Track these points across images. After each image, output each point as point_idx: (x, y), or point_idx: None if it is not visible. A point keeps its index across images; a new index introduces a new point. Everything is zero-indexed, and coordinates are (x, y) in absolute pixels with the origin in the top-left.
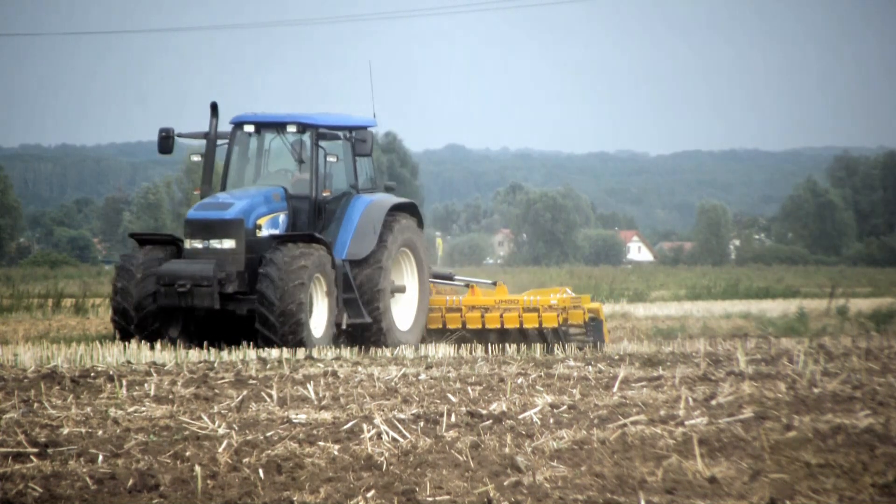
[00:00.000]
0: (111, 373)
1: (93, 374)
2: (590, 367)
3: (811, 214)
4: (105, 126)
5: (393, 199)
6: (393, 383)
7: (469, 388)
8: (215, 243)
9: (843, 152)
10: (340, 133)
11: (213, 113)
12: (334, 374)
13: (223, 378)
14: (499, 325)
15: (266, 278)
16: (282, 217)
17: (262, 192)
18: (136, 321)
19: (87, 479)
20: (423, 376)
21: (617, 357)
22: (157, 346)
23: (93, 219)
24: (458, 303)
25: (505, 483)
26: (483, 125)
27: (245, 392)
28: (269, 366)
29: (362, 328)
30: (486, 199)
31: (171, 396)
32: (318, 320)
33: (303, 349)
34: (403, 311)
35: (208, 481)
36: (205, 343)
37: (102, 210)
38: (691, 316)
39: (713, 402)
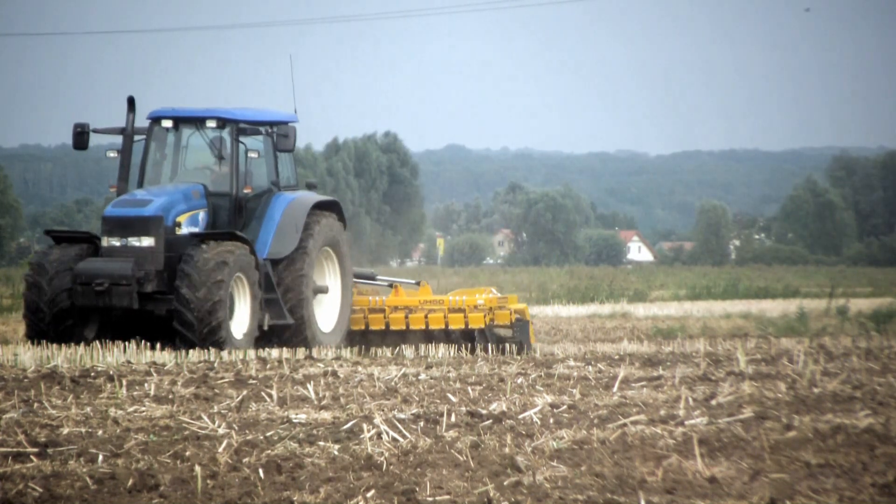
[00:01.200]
0: (111, 373)
1: (93, 373)
2: (590, 367)
3: (811, 214)
4: (105, 126)
5: (315, 197)
6: (393, 383)
7: (469, 388)
8: (134, 241)
9: (842, 152)
10: (262, 128)
11: (130, 108)
12: (334, 373)
13: (223, 378)
14: (423, 326)
15: (184, 277)
16: (201, 215)
17: (180, 189)
18: (49, 320)
19: (87, 479)
20: (422, 376)
21: (617, 357)
22: (158, 345)
23: (93, 219)
24: (381, 303)
25: (505, 483)
26: (483, 125)
27: (245, 392)
28: (269, 366)
29: (284, 329)
30: (486, 199)
31: (171, 396)
32: (241, 321)
33: (221, 350)
34: (326, 312)
35: (208, 481)
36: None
37: (102, 210)
38: (691, 316)
39: (713, 402)
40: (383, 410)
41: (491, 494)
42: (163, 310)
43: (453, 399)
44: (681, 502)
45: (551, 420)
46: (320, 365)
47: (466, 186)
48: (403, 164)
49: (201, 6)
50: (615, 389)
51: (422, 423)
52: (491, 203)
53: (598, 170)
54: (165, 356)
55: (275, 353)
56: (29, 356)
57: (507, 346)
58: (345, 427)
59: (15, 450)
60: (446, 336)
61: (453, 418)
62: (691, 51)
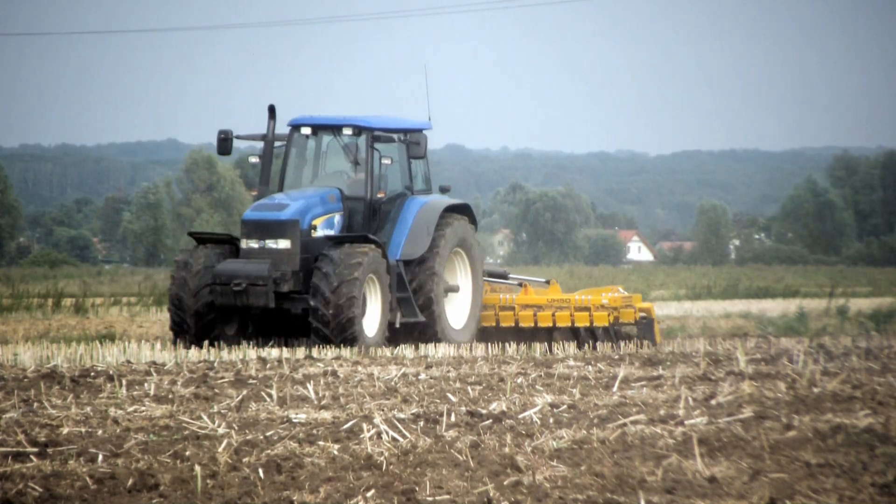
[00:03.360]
0: (111, 372)
1: (92, 373)
2: (589, 367)
3: (811, 214)
4: (105, 126)
5: (447, 200)
6: (393, 383)
7: (469, 388)
8: (271, 243)
9: (842, 152)
10: (395, 136)
11: (271, 115)
12: (334, 373)
13: (223, 378)
14: (551, 324)
15: (319, 278)
16: (337, 218)
17: (317, 193)
18: (192, 319)
19: (87, 478)
20: (422, 376)
21: (617, 357)
22: (158, 345)
23: (92, 218)
24: (511, 301)
25: (505, 483)
26: (483, 125)
27: (245, 392)
28: (268, 365)
29: (415, 326)
30: (486, 198)
31: (170, 396)
32: (372, 319)
33: (356, 348)
34: (456, 310)
35: (208, 481)
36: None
37: (102, 210)
38: (691, 316)
39: (713, 402)
40: (383, 410)
41: (491, 494)
42: (298, 308)
43: (453, 399)
44: (681, 502)
45: (551, 420)
46: (320, 365)
47: (466, 186)
48: None
49: (192, 7)
50: (615, 389)
51: (421, 423)
52: (491, 203)
53: (598, 170)
54: (165, 356)
55: (275, 352)
56: (29, 356)
57: (634, 342)
58: (344, 427)
59: (15, 449)
60: (573, 333)
61: (453, 418)
62: (691, 51)
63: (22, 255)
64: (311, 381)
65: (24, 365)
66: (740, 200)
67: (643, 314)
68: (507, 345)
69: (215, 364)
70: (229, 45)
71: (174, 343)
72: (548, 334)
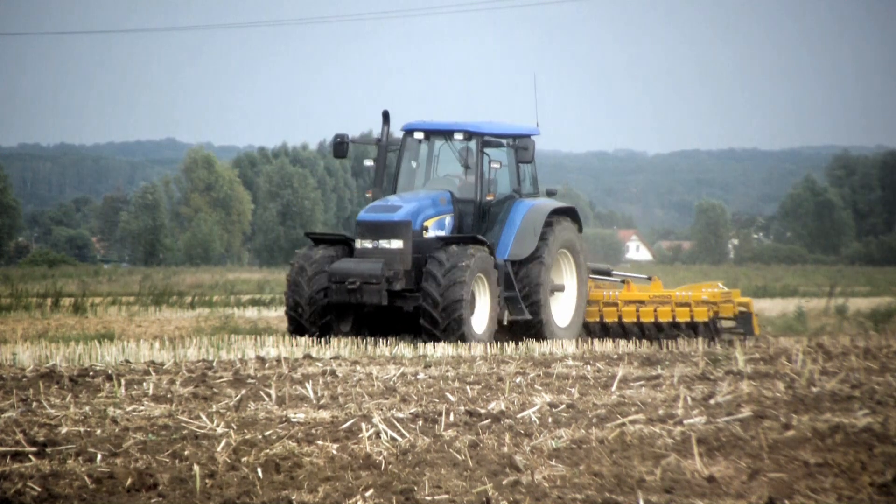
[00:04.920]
0: (110, 372)
1: (91, 373)
2: (588, 367)
3: (810, 213)
4: (104, 126)
5: (553, 204)
6: (391, 382)
7: (468, 388)
8: (384, 243)
9: (841, 151)
10: (504, 140)
11: (385, 120)
12: (333, 373)
13: (222, 377)
14: (653, 319)
15: (430, 276)
16: (448, 219)
17: (429, 195)
18: (307, 315)
19: (86, 478)
20: (421, 375)
21: (615, 356)
22: (157, 344)
23: (91, 218)
24: (614, 297)
25: (503, 482)
26: None
27: (244, 391)
28: (267, 365)
29: (523, 324)
30: None
31: (169, 395)
32: (480, 317)
33: (464, 344)
34: (562, 309)
35: (207, 480)
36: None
37: (101, 209)
38: None
39: (712, 402)
40: (382, 410)
41: (489, 494)
42: (410, 306)
43: (452, 398)
44: (679, 502)
45: (550, 419)
46: (319, 364)
47: None
48: None
49: (192, 7)
50: (614, 389)
51: (420, 423)
52: None
53: (596, 169)
54: (164, 355)
55: (273, 352)
56: (27, 355)
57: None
58: (343, 426)
59: (13, 449)
60: (675, 328)
61: (452, 417)
62: (691, 51)
63: (21, 255)
64: (310, 381)
65: (23, 364)
66: (739, 200)
67: (742, 308)
68: (505, 344)
69: (214, 364)
70: (229, 44)
71: (292, 337)
72: (657, 330)
